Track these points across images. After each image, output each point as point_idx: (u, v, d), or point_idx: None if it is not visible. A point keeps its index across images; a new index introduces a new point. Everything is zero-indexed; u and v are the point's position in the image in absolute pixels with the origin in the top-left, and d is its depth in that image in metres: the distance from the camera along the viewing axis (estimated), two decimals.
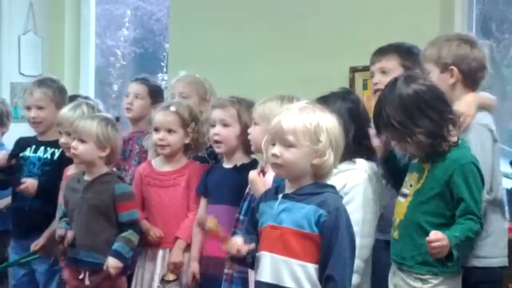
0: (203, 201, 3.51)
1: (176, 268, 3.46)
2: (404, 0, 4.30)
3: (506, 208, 4.00)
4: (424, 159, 2.75)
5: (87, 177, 3.54)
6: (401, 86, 2.70)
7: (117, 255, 3.38)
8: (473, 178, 2.63)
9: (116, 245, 3.39)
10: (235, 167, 3.41)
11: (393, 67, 3.29)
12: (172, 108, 3.57)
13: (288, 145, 2.45)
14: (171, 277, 3.41)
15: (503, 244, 2.91)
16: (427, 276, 2.66)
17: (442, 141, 2.66)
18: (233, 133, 3.38)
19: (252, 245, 2.53)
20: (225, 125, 3.39)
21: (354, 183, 2.83)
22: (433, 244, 2.54)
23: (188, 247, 3.50)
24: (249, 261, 2.56)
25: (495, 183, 2.88)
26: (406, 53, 3.32)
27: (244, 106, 3.38)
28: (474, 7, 4.34)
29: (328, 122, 2.48)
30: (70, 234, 3.44)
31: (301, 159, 2.46)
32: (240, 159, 3.43)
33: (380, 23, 4.30)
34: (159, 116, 3.58)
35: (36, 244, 3.90)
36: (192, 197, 3.55)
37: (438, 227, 2.63)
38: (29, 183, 3.87)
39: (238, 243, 2.52)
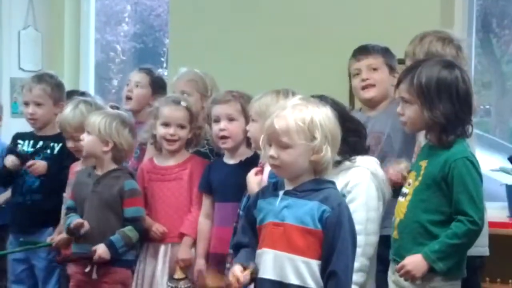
0: (207, 199, 3.50)
1: (185, 266, 3.45)
2: None
3: (506, 204, 4.02)
4: (425, 152, 2.75)
5: (97, 172, 3.56)
6: (445, 66, 2.70)
7: (110, 245, 3.40)
8: (468, 173, 2.62)
9: (112, 237, 3.41)
10: (240, 162, 3.40)
11: (380, 65, 3.39)
12: (183, 103, 3.57)
13: (284, 146, 2.44)
14: (180, 275, 3.40)
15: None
16: (427, 274, 2.65)
17: (449, 134, 2.66)
18: (240, 127, 3.36)
19: (252, 265, 2.49)
20: (231, 119, 3.38)
21: (357, 181, 2.81)
22: (400, 274, 2.63)
23: (194, 243, 3.50)
24: (255, 276, 2.50)
25: None
26: (387, 53, 3.43)
27: (246, 100, 3.37)
28: (475, 3, 4.34)
29: (322, 116, 2.46)
30: (86, 223, 3.45)
31: (299, 158, 2.45)
32: (244, 153, 3.42)
33: (380, 21, 4.30)
34: (170, 111, 3.56)
35: (53, 239, 3.85)
36: (195, 192, 3.55)
37: (439, 224, 2.64)
38: (40, 163, 3.88)
39: (237, 274, 2.47)
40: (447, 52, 3.01)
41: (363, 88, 3.39)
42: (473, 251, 2.80)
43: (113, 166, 3.54)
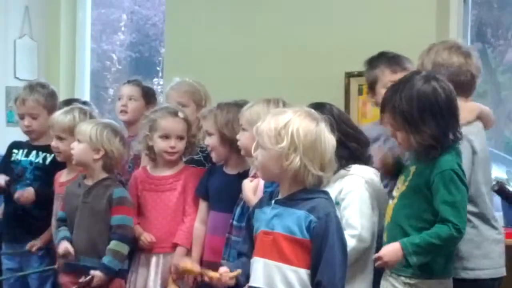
0: (203, 204, 3.49)
1: (178, 278, 3.42)
2: (400, 6, 4.31)
3: (501, 213, 4.02)
4: (414, 158, 2.76)
5: (87, 182, 3.55)
6: (421, 81, 2.70)
7: (106, 269, 3.38)
8: (454, 184, 2.63)
9: (105, 259, 3.39)
10: (238, 174, 3.37)
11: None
12: (181, 115, 3.56)
13: (260, 147, 2.49)
14: None
15: (495, 255, 2.90)
16: (414, 281, 2.68)
17: (438, 148, 2.67)
18: (216, 141, 3.38)
19: (238, 271, 2.54)
20: (209, 134, 3.41)
21: (350, 189, 2.85)
22: (376, 264, 2.66)
23: (187, 254, 3.47)
24: (244, 284, 2.55)
25: (477, 194, 2.88)
26: None
27: (221, 110, 3.38)
28: (470, 13, 4.35)
29: (300, 127, 2.44)
30: (70, 248, 3.45)
31: (269, 162, 2.47)
32: (243, 163, 3.38)
33: (376, 29, 4.31)
34: (169, 123, 3.54)
35: (33, 245, 3.87)
36: (189, 202, 3.53)
37: (420, 230, 2.65)
38: (27, 193, 3.86)
39: (218, 274, 2.55)
40: (454, 60, 2.97)
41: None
42: (492, 273, 2.84)
43: (104, 175, 3.53)
